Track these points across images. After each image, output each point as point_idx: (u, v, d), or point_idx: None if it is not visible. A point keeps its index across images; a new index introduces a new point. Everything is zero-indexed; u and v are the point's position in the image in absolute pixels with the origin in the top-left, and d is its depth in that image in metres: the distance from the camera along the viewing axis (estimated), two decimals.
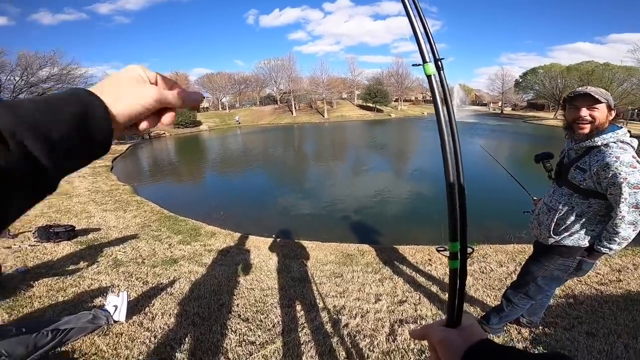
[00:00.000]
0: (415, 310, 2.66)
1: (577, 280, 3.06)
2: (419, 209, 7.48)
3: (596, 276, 3.15)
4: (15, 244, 4.21)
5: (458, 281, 0.56)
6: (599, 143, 1.53)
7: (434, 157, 15.88)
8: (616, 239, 1.52)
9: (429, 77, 0.55)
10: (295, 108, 45.30)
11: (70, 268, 3.54)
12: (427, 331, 0.56)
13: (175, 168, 14.71)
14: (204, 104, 54.42)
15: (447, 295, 2.82)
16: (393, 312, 2.66)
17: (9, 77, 24.02)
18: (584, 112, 1.53)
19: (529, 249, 3.99)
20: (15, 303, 2.76)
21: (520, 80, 48.31)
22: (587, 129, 1.55)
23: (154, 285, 3.15)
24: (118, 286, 3.12)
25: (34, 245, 4.16)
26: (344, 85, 51.38)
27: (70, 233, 4.54)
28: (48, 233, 4.35)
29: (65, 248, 4.14)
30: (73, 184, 8.86)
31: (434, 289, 3.07)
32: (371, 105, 46.35)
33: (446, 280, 3.25)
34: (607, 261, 3.48)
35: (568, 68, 39.64)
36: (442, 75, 0.57)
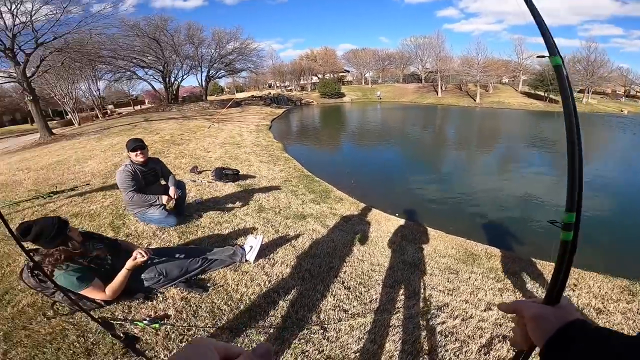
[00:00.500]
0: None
1: None
2: (595, 228, 5.91)
3: None
4: (199, 179, 5.64)
5: (567, 256, 0.54)
6: None
7: (624, 169, 11.78)
8: None
9: (557, 66, 0.54)
10: (441, 88, 41.51)
11: (229, 206, 4.44)
12: (520, 305, 0.55)
13: (318, 133, 16.37)
14: (349, 78, 56.57)
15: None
16: (500, 326, 2.34)
17: (207, 49, 31.04)
18: None
19: None
20: (186, 229, 3.48)
21: None
22: None
23: (282, 235, 3.64)
24: (257, 229, 3.71)
25: (210, 182, 5.48)
26: (506, 68, 43.21)
27: (235, 176, 5.75)
28: (221, 174, 5.63)
29: (229, 188, 5.27)
30: (243, 137, 11.09)
31: None
32: (542, 93, 37.59)
33: (585, 311, 2.59)
34: None
35: None
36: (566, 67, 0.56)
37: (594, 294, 2.93)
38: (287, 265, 2.93)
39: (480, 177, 9.02)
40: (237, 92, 48.40)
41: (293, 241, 3.48)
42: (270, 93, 37.54)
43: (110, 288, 2.06)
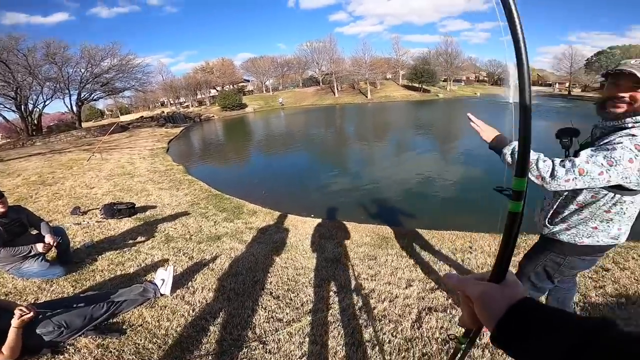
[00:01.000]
0: (447, 300, 2.59)
1: (635, 279, 2.76)
2: (462, 193, 7.09)
3: None
4: (84, 221, 4.82)
5: (516, 230, 0.49)
6: (630, 125, 1.27)
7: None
8: (535, 164, 1.30)
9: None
10: (337, 89, 44.77)
11: (129, 243, 3.97)
12: (465, 283, 0.51)
13: (222, 148, 15.60)
14: (249, 87, 56.02)
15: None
16: (423, 299, 2.62)
17: (74, 69, 26.70)
18: (623, 93, 1.28)
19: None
20: (80, 276, 3.13)
21: (594, 60, 43.29)
22: (622, 109, 1.30)
23: (198, 261, 3.44)
24: (168, 260, 3.44)
25: (100, 222, 4.73)
26: (388, 65, 49.48)
27: (131, 210, 5.07)
28: (112, 210, 4.91)
29: (126, 224, 4.65)
30: (135, 165, 9.83)
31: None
32: (417, 85, 44.04)
33: (486, 268, 3.10)
34: None
35: None
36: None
37: (487, 253, 3.49)
38: (209, 290, 2.82)
39: (380, 166, 9.99)
40: (121, 114, 42.70)
41: (211, 264, 3.35)
42: (163, 112, 34.33)
43: (7, 347, 1.90)
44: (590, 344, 0.34)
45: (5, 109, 23.63)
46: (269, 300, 2.64)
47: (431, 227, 4.53)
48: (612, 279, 2.79)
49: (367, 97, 41.61)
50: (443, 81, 48.29)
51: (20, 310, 1.94)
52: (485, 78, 62.67)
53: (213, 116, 34.04)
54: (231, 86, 50.63)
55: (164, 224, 4.66)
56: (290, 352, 2.05)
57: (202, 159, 12.81)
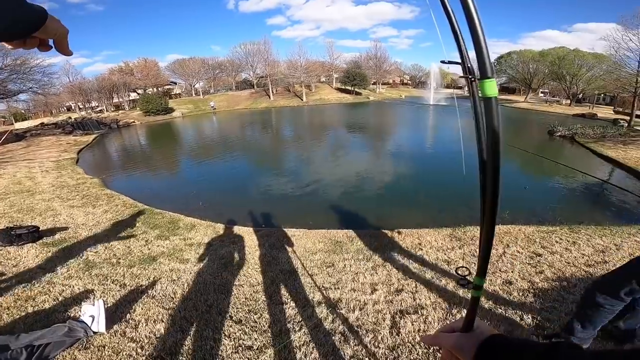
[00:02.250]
0: (414, 300, 2.59)
1: (566, 262, 3.12)
2: (402, 189, 7.48)
3: (582, 257, 3.22)
4: None
5: (477, 303, 0.58)
6: None
7: (414, 137, 16.01)
8: None
9: (489, 99, 0.45)
10: (272, 92, 44.18)
11: (38, 273, 3.24)
12: (439, 339, 0.59)
13: (148, 157, 13.96)
14: (177, 90, 51.96)
15: (442, 281, 2.78)
16: (391, 302, 2.58)
17: None
18: None
19: (514, 230, 4.05)
20: None
21: (495, 64, 50.41)
22: None
23: (133, 288, 2.93)
24: (93, 291, 2.88)
25: None
26: (323, 68, 50.72)
27: (34, 234, 4.16)
28: (10, 236, 3.97)
29: (30, 251, 3.79)
30: (35, 180, 8.20)
31: (428, 275, 3.03)
32: (350, 88, 45.97)
33: (439, 265, 3.22)
34: (589, 241, 3.58)
35: (541, 53, 41.09)
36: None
37: (436, 248, 3.63)
38: (154, 321, 2.39)
39: (322, 169, 10.04)
40: (16, 121, 35.70)
41: (150, 290, 2.88)
42: (70, 118, 29.70)
43: None
44: None
45: None
46: (230, 326, 2.33)
47: (379, 227, 4.63)
48: (547, 263, 3.11)
49: (302, 100, 41.92)
50: (373, 84, 51.36)
51: None
52: (409, 81, 68.69)
53: (133, 122, 30.46)
54: (155, 89, 46.19)
55: (81, 248, 3.92)
56: None
57: (124, 170, 11.21)
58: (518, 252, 3.43)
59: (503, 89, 57.93)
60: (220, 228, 4.78)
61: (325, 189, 7.71)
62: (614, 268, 1.79)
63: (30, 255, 3.70)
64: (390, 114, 28.37)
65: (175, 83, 52.54)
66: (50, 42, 0.49)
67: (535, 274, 2.93)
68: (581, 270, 2.97)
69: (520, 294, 2.62)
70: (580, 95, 37.54)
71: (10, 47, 0.46)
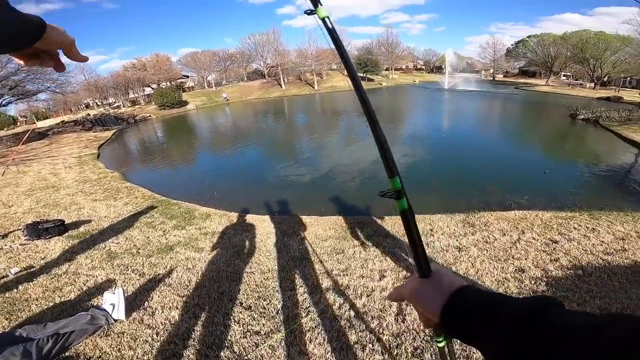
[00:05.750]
0: None
1: (583, 249, 3.02)
2: (416, 174, 7.38)
3: (601, 245, 3.11)
4: (5, 245, 4.05)
5: (413, 224, 0.53)
6: None
7: (429, 121, 15.70)
8: None
9: (323, 19, 0.53)
10: (284, 81, 44.04)
11: (64, 265, 3.42)
12: (399, 291, 0.54)
13: (164, 150, 14.30)
14: (189, 84, 52.52)
15: (452, 269, 2.76)
16: None
17: None
18: None
19: (530, 215, 3.97)
20: (13, 307, 2.65)
21: (512, 48, 49.80)
22: None
23: (151, 277, 3.06)
24: (114, 280, 3.03)
25: (24, 244, 4.01)
26: (334, 56, 49.73)
27: (60, 228, 4.37)
28: (37, 230, 4.19)
29: (57, 244, 4.00)
30: (59, 176, 8.57)
31: (439, 262, 3.01)
32: (362, 75, 45.24)
33: (450, 252, 3.19)
34: (609, 228, 3.45)
35: (563, 36, 39.33)
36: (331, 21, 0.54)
37: (448, 234, 3.59)
38: (170, 308, 2.50)
39: (334, 156, 10.00)
40: (38, 120, 37.13)
41: (167, 279, 3.00)
42: (89, 115, 30.63)
43: None
44: (528, 331, 0.35)
45: None
46: (240, 312, 2.41)
47: (391, 212, 4.51)
48: (563, 251, 3.02)
49: (314, 88, 41.66)
50: (385, 70, 50.35)
51: None
52: (423, 67, 66.85)
53: (150, 116, 31.18)
54: (169, 83, 46.85)
55: (104, 239, 4.10)
56: None
57: (142, 163, 11.56)
58: (534, 238, 3.35)
59: (522, 72, 55.79)
60: (234, 217, 4.88)
61: (338, 175, 7.70)
62: None
63: (57, 248, 3.90)
64: (402, 99, 27.85)
65: (188, 76, 53.07)
66: (61, 54, 0.50)
67: (550, 261, 2.86)
68: (599, 258, 2.87)
69: (532, 283, 2.58)
70: (605, 79, 35.68)
71: (21, 62, 0.47)
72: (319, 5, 0.54)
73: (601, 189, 6.36)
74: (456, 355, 1.56)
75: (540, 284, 2.55)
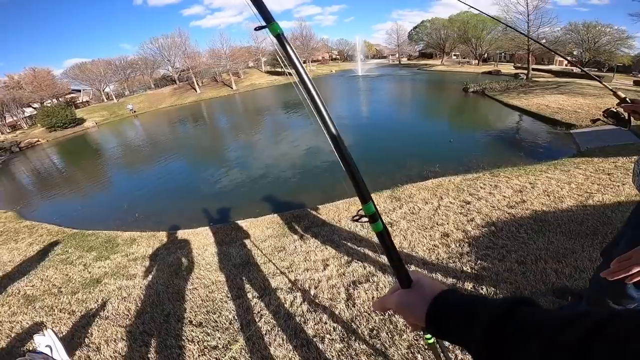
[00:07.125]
0: (365, 268, 2.68)
1: (491, 206, 3.44)
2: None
3: (504, 199, 3.55)
4: None
5: (389, 241, 0.56)
6: None
7: (349, 108, 16.58)
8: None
9: (277, 35, 0.53)
10: (198, 85, 41.42)
11: None
12: (384, 302, 0.56)
13: (66, 178, 12.32)
14: (83, 98, 45.63)
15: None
16: (344, 274, 2.66)
17: None
18: None
19: (445, 182, 4.39)
20: None
21: (412, 33, 56.42)
22: None
23: (83, 314, 2.74)
24: (43, 323, 2.67)
25: None
26: (249, 53, 48.69)
27: None
28: None
29: None
30: None
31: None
32: (280, 70, 45.13)
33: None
34: (508, 183, 3.99)
35: (449, 19, 44.96)
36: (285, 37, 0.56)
37: (379, 211, 3.82)
38: (115, 340, 2.30)
39: (262, 152, 9.99)
40: None
41: (102, 312, 2.73)
42: None
43: None
44: (499, 330, 0.37)
45: None
46: (192, 331, 2.30)
47: (324, 201, 4.63)
48: (476, 210, 3.38)
49: (232, 88, 40.12)
50: (303, 62, 51.22)
51: None
52: (337, 56, 69.85)
53: (38, 141, 26.18)
54: (55, 100, 39.98)
55: (14, 284, 3.54)
56: None
57: (41, 197, 9.76)
58: (450, 202, 3.68)
59: (421, 55, 62.50)
60: (163, 236, 4.51)
61: (269, 173, 7.70)
62: None
63: None
64: (323, 89, 28.75)
65: (80, 90, 46.07)
66: None
67: (467, 222, 3.17)
68: (505, 213, 3.21)
69: (458, 245, 2.79)
70: (485, 55, 42.12)
71: None
72: (273, 22, 0.51)
73: (496, 149, 7.58)
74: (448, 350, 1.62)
75: (464, 246, 2.77)
